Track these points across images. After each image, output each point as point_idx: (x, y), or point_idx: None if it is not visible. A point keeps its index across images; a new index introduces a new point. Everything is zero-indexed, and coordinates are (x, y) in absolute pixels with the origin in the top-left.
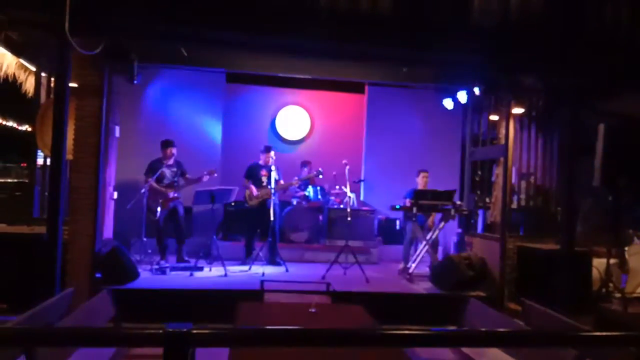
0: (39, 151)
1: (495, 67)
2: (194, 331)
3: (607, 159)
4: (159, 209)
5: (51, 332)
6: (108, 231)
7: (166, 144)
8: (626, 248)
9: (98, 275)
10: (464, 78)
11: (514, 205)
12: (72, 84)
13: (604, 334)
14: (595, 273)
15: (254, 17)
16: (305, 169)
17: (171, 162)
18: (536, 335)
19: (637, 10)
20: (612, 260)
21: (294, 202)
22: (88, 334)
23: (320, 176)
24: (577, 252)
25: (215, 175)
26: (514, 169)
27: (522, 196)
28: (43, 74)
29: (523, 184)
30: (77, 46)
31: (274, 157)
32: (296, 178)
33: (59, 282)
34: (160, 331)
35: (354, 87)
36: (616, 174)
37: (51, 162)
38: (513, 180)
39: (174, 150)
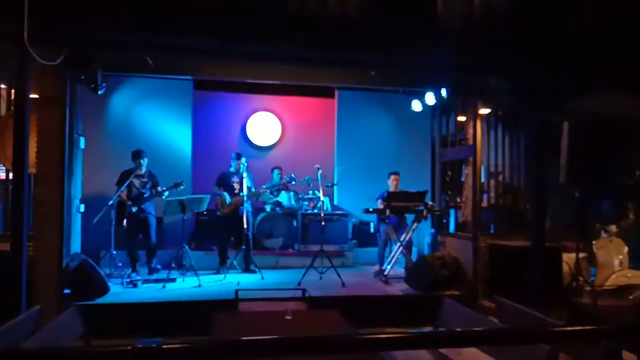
0: (0, 165)
1: (462, 69)
2: (164, 346)
3: (572, 157)
4: (125, 220)
5: (16, 353)
6: (76, 245)
7: (134, 155)
8: (594, 242)
9: (66, 291)
10: (431, 80)
11: (484, 204)
12: (33, 95)
13: (576, 328)
14: (565, 267)
15: (221, 23)
16: (277, 175)
17: (142, 172)
18: (510, 334)
19: (600, 11)
20: (581, 255)
21: (267, 208)
22: (54, 354)
23: (293, 182)
24: (547, 248)
25: (182, 187)
26: (482, 168)
27: (492, 195)
28: (2, 86)
29: (492, 182)
30: (37, 56)
31: (246, 164)
32: (264, 187)
33: (25, 299)
34: (129, 347)
35: (324, 92)
36: (581, 171)
37: (13, 176)
38: (482, 180)
39: (142, 161)
